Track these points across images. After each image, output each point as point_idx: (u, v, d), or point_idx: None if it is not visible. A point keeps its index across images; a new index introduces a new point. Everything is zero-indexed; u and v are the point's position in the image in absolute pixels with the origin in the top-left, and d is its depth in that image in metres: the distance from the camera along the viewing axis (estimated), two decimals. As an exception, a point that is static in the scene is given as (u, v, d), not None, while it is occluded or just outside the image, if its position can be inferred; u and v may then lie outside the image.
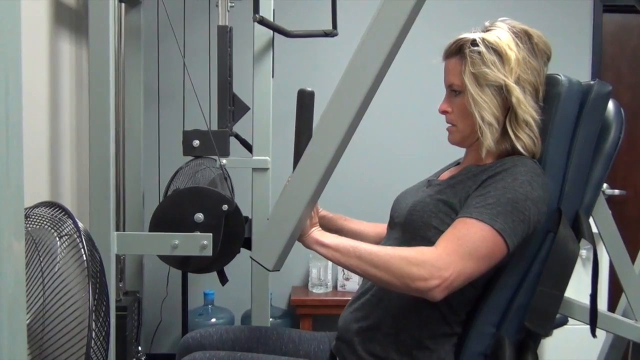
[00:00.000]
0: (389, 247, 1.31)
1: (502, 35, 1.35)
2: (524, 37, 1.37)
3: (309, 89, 1.40)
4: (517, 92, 1.32)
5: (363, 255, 1.27)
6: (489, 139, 1.34)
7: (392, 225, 1.51)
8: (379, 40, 1.21)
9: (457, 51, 1.39)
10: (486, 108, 1.33)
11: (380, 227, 1.66)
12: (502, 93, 1.34)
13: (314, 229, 1.36)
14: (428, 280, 1.22)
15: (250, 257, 1.32)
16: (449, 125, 1.43)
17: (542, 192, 1.30)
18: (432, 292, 1.22)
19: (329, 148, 1.24)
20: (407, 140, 3.48)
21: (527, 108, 1.33)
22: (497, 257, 1.27)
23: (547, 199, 1.32)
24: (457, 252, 1.24)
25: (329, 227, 1.58)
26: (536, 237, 1.34)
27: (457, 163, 1.54)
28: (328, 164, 1.25)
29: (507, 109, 1.35)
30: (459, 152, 1.52)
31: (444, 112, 1.43)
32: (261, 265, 1.30)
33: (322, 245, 1.33)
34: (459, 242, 1.25)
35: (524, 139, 1.34)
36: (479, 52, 1.34)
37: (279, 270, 1.36)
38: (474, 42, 1.35)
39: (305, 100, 1.39)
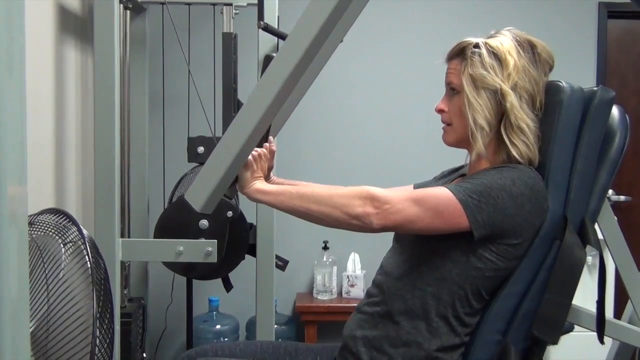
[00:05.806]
0: (334, 187, 1.36)
1: (504, 41, 1.37)
2: (527, 47, 1.38)
3: (275, 54, 1.42)
4: (511, 98, 1.33)
5: (306, 194, 1.33)
6: (479, 143, 1.35)
7: (397, 238, 1.50)
8: (307, 28, 1.28)
9: (460, 53, 1.40)
10: (479, 111, 1.35)
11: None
12: (497, 97, 1.34)
13: (255, 181, 1.40)
14: (366, 206, 1.27)
15: (184, 197, 1.40)
16: (444, 124, 1.44)
17: (526, 190, 1.30)
18: (370, 218, 1.27)
19: (261, 105, 1.32)
20: (409, 141, 3.47)
21: (521, 114, 1.34)
22: (450, 220, 1.28)
23: (536, 200, 1.31)
24: (405, 195, 1.30)
25: None
26: (542, 244, 1.34)
27: (463, 174, 1.54)
28: (259, 120, 1.32)
29: (502, 115, 1.35)
30: (460, 153, 1.52)
31: (440, 111, 1.44)
32: (190, 206, 1.38)
33: (264, 193, 1.37)
34: (413, 191, 1.34)
35: (519, 146, 1.35)
36: (480, 55, 1.36)
37: (208, 214, 1.42)
38: (476, 45, 1.37)
39: None
